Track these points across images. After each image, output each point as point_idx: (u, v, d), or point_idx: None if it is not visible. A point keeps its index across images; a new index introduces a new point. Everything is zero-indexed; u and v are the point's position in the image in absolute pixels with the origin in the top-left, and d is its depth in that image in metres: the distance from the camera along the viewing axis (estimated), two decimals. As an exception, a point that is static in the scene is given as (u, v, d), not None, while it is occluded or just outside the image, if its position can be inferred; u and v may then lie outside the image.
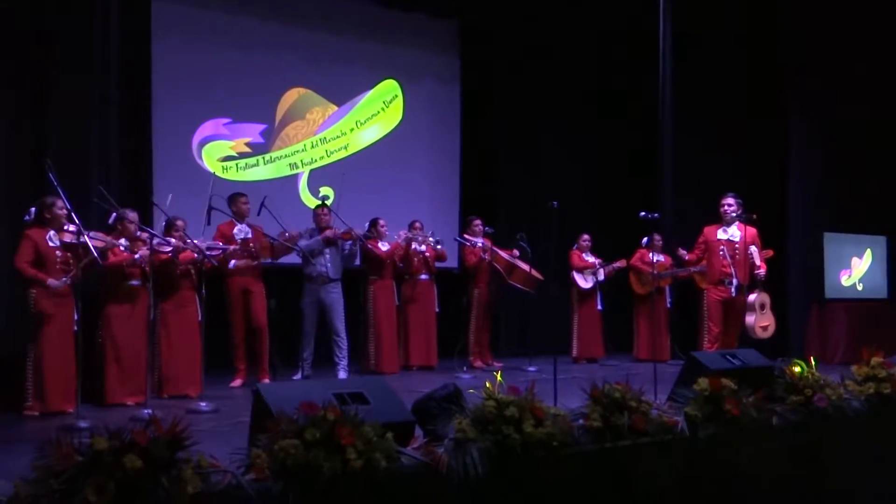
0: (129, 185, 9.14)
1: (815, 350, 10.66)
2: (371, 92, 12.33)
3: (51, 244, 7.17)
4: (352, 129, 12.17)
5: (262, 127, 11.36)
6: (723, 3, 11.98)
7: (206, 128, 10.95)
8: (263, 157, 11.38)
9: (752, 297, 9.27)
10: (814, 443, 5.75)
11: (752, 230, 9.51)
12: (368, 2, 11.84)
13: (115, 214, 7.63)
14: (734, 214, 9.52)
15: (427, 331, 10.43)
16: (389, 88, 12.48)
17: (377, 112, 12.41)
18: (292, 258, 9.30)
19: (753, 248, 9.43)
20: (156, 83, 10.17)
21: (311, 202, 10.75)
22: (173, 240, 7.99)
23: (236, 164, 11.18)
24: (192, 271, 8.22)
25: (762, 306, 9.33)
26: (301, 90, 11.72)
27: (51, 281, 7.09)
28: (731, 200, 9.38)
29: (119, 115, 8.72)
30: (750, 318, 9.20)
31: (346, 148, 12.08)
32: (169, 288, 8.17)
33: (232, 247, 8.59)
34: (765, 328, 9.38)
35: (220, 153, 11.12)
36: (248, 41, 11.06)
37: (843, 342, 11.35)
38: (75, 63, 8.17)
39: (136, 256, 7.59)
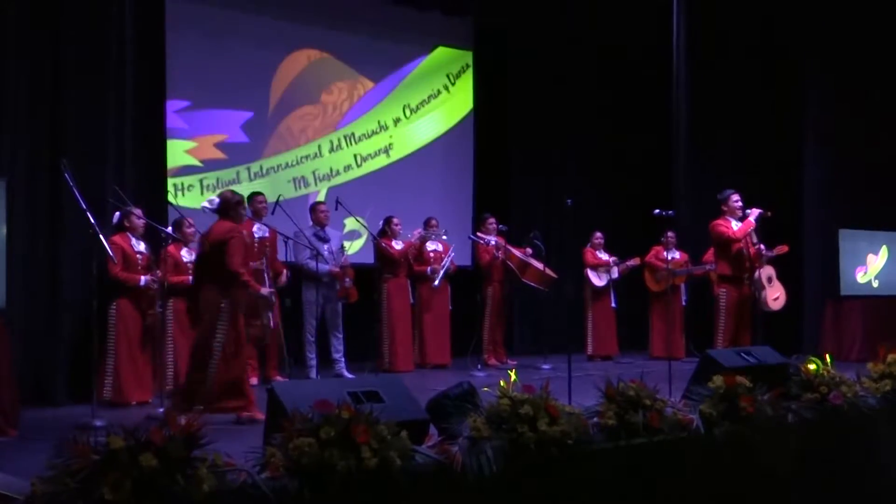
0: (144, 184, 9.16)
1: (831, 347, 10.59)
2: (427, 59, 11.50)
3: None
4: (397, 121, 11.48)
5: (245, 115, 10.31)
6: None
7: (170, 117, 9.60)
8: (248, 168, 10.18)
9: (756, 273, 9.19)
10: (829, 440, 5.73)
11: None
12: (382, 0, 11.57)
13: (118, 214, 7.71)
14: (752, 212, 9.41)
15: (441, 329, 10.44)
16: (455, 55, 11.68)
17: (437, 92, 11.67)
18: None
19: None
20: (170, 81, 9.85)
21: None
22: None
23: (200, 181, 9.62)
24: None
25: (769, 279, 9.28)
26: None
27: None
28: (738, 196, 9.29)
29: (134, 113, 8.74)
30: (762, 293, 9.13)
31: (387, 151, 11.48)
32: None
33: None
34: (776, 299, 9.33)
35: (172, 162, 9.56)
36: (258, 38, 10.49)
37: (859, 339, 11.31)
38: (90, 62, 8.19)
39: (142, 282, 7.72)
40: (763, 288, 9.10)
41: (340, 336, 9.44)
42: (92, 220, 6.57)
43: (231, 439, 4.28)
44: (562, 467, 4.34)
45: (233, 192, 7.12)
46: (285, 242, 8.93)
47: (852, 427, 5.84)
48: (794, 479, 5.48)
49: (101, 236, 6.72)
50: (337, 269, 9.22)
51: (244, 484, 3.46)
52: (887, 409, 6.12)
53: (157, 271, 7.81)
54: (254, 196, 9.00)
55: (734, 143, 12.01)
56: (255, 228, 8.86)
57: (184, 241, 8.29)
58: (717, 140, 12.11)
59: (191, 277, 8.16)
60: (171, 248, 8.04)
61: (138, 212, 7.84)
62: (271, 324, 7.91)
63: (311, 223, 9.50)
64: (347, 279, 9.25)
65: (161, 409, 6.68)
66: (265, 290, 7.04)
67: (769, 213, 9.08)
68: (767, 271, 9.29)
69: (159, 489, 3.21)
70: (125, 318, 7.74)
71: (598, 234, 11.53)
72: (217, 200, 6.99)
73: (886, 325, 11.30)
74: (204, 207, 7.13)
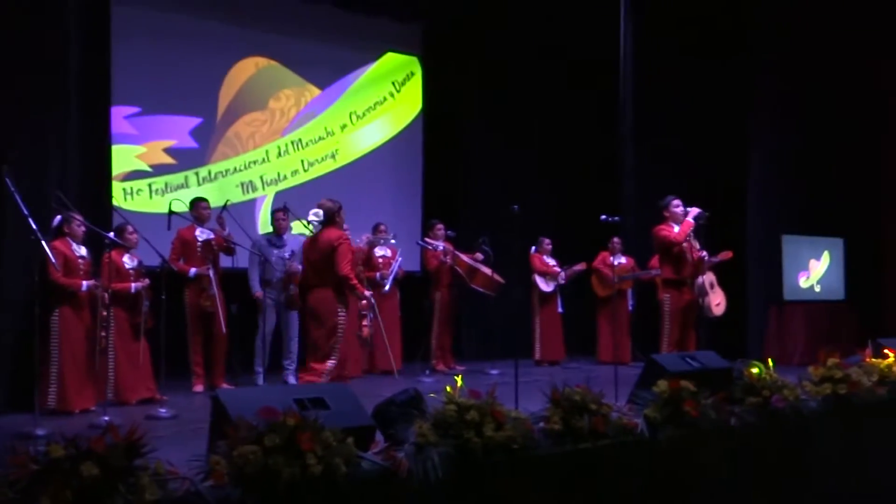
0: (89, 189, 9.05)
1: (774, 352, 10.76)
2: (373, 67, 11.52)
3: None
4: (343, 127, 11.51)
5: (194, 121, 10.33)
6: (686, 6, 12.07)
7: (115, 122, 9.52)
8: (196, 173, 10.25)
9: (699, 279, 9.27)
10: (772, 443, 5.81)
11: None
12: (332, 6, 11.51)
13: (59, 218, 7.60)
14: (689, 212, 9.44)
15: (390, 335, 10.40)
16: (401, 62, 11.74)
17: (383, 99, 11.74)
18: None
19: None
20: (120, 87, 9.75)
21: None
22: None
23: (149, 186, 9.77)
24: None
25: (711, 285, 9.38)
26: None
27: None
28: (679, 201, 9.35)
29: (78, 118, 8.63)
30: (705, 299, 9.21)
31: (334, 156, 11.44)
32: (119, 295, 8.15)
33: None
34: (718, 305, 9.43)
35: (121, 167, 9.66)
36: (207, 45, 10.47)
37: (802, 343, 11.50)
38: (33, 66, 8.06)
39: (84, 287, 7.61)
40: (706, 294, 9.20)
41: (293, 343, 9.37)
42: (34, 227, 6.48)
43: (174, 447, 4.24)
44: (508, 472, 4.35)
45: (332, 200, 7.63)
46: (229, 247, 8.87)
47: (794, 430, 5.92)
48: (737, 481, 5.54)
49: (43, 242, 6.63)
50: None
51: (187, 492, 3.43)
52: (828, 412, 6.21)
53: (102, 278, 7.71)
54: (196, 202, 8.96)
55: (680, 151, 12.14)
56: (197, 232, 8.82)
57: (126, 247, 8.19)
58: (663, 147, 12.23)
59: (133, 284, 8.09)
60: (113, 253, 7.91)
61: (79, 217, 7.71)
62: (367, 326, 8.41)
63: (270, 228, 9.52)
64: (292, 286, 9.19)
65: (105, 418, 6.60)
66: (368, 293, 7.40)
67: (707, 214, 9.14)
68: (710, 277, 9.39)
69: (100, 499, 3.17)
70: (68, 324, 7.62)
71: (547, 241, 11.60)
72: (321, 212, 7.51)
73: (828, 329, 11.51)
74: (311, 221, 7.78)
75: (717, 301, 9.35)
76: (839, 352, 6.69)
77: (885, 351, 7.10)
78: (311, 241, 7.75)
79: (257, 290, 9.14)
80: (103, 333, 7.78)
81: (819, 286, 12.33)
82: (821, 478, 6.07)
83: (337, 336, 7.61)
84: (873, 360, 6.99)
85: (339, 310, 7.52)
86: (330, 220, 7.53)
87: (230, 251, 8.91)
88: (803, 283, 12.17)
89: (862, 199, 12.51)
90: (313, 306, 7.65)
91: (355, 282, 7.43)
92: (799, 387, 6.24)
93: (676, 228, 9.05)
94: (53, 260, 6.95)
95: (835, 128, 12.03)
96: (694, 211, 9.05)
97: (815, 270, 12.31)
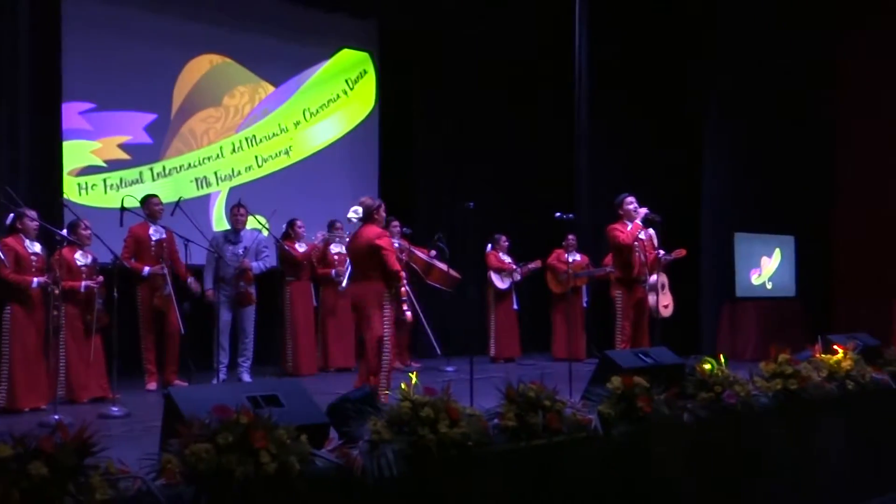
0: (39, 185, 8.93)
1: (726, 347, 10.87)
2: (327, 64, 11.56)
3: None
4: (297, 124, 11.54)
5: (149, 117, 10.32)
6: (637, 4, 12.16)
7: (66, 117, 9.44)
8: (151, 169, 10.29)
9: (652, 278, 9.32)
10: (724, 438, 5.87)
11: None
12: (287, 2, 11.45)
13: (12, 215, 7.50)
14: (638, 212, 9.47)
15: (345, 332, 10.39)
16: (354, 61, 11.78)
17: (336, 96, 11.78)
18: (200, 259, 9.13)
19: (652, 231, 9.39)
20: (74, 83, 9.64)
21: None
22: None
23: (103, 181, 9.83)
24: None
25: (662, 286, 9.45)
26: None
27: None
28: (633, 199, 9.38)
29: (28, 113, 8.51)
30: (653, 299, 9.27)
31: (288, 153, 11.50)
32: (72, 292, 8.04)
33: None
34: (666, 307, 9.51)
35: (75, 162, 9.69)
36: (162, 41, 10.39)
37: (753, 340, 11.63)
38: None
39: (34, 284, 7.51)
40: (656, 292, 9.26)
41: (248, 340, 9.32)
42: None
43: (126, 446, 4.20)
44: (462, 469, 4.36)
45: (372, 197, 7.84)
46: (185, 245, 8.77)
47: (745, 425, 5.98)
48: (690, 477, 5.59)
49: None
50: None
51: (139, 492, 3.39)
52: (778, 407, 6.29)
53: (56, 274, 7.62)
54: (149, 198, 8.90)
55: (635, 149, 12.23)
56: (151, 231, 8.75)
57: (79, 244, 8.08)
58: (618, 145, 12.31)
59: (83, 283, 7.98)
60: (64, 251, 7.82)
61: (32, 214, 7.62)
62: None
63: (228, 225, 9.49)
64: (242, 283, 9.13)
65: (55, 416, 6.51)
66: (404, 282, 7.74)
67: (656, 216, 9.17)
68: (662, 279, 9.46)
69: (50, 499, 3.12)
70: (19, 322, 7.52)
71: (504, 238, 11.63)
72: (360, 209, 7.64)
73: (779, 325, 11.65)
74: (350, 219, 7.86)
75: (665, 303, 9.42)
76: (790, 348, 6.76)
77: (835, 347, 7.19)
78: (352, 238, 7.96)
79: (207, 288, 9.09)
80: (55, 313, 7.67)
81: (770, 283, 12.48)
82: (772, 471, 6.14)
83: (384, 349, 7.52)
84: (823, 355, 7.08)
85: (385, 304, 7.54)
86: (368, 217, 7.65)
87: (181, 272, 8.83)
88: (755, 280, 12.31)
89: (813, 197, 12.69)
90: (357, 301, 7.72)
91: (403, 274, 7.62)
92: (750, 382, 6.29)
93: (630, 226, 9.11)
94: (3, 256, 6.86)
95: (787, 127, 12.17)
96: (642, 212, 9.11)
97: (766, 268, 12.46)
